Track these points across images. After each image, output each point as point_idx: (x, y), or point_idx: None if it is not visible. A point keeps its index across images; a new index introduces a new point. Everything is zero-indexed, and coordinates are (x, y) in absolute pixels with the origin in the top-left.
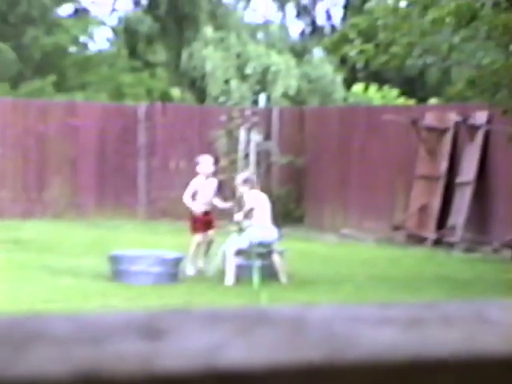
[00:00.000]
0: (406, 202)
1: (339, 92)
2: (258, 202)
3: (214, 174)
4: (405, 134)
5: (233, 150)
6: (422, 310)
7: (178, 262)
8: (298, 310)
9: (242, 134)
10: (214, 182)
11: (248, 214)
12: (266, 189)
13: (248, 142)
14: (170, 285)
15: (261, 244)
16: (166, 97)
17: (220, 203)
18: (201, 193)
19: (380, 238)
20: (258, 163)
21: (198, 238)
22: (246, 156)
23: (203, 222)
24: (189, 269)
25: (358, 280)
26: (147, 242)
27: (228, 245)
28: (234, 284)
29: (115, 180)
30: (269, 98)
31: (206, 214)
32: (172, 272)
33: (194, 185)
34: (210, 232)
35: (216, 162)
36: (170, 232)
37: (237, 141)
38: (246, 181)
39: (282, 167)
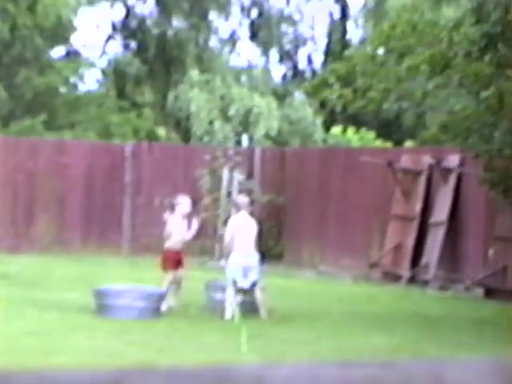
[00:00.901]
0: (382, 241)
1: (319, 133)
2: (241, 227)
3: (194, 213)
4: (381, 175)
5: (216, 188)
6: (382, 371)
7: (161, 296)
8: (259, 369)
9: (225, 173)
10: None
11: (228, 242)
12: None
13: (231, 180)
14: (153, 319)
15: (244, 277)
16: (152, 136)
17: (189, 232)
18: (176, 232)
19: (357, 275)
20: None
21: (169, 275)
22: (229, 194)
23: (174, 260)
24: (163, 304)
25: (334, 316)
26: (131, 277)
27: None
28: (230, 318)
29: (101, 216)
30: (251, 139)
31: (178, 252)
32: (155, 306)
33: (171, 224)
34: (181, 270)
35: (195, 202)
36: (154, 267)
37: (220, 179)
38: (235, 204)
39: (263, 205)
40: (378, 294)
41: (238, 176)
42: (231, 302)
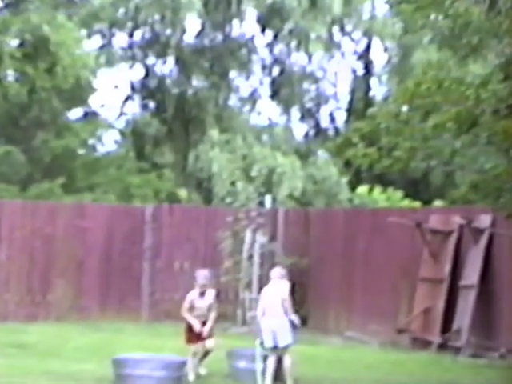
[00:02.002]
0: (410, 305)
1: (344, 193)
2: (270, 292)
3: (215, 278)
4: (409, 236)
5: (237, 250)
6: None
7: (181, 366)
8: None
9: (248, 235)
10: (210, 294)
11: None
12: None
13: (253, 242)
14: None
15: (274, 348)
16: (173, 198)
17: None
18: (196, 306)
19: (384, 340)
20: (262, 264)
21: (194, 347)
22: (250, 257)
23: (196, 333)
24: (189, 374)
25: None
26: (150, 345)
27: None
28: None
29: (120, 281)
30: (274, 199)
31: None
32: (175, 376)
33: (189, 298)
34: (207, 342)
35: (214, 272)
36: (174, 335)
37: (242, 242)
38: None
39: (286, 268)
40: (407, 361)
41: (261, 238)
42: (261, 372)
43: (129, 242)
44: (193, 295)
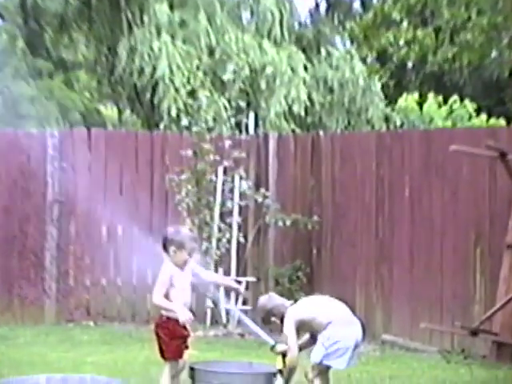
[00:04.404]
0: (492, 288)
1: (377, 107)
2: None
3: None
4: (486, 174)
5: (203, 204)
6: None
7: None
8: None
9: (219, 179)
10: (190, 269)
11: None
12: (257, 267)
13: (228, 191)
14: None
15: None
16: (92, 118)
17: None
18: (176, 285)
19: (447, 347)
20: (244, 227)
21: (174, 365)
22: (225, 215)
23: (184, 338)
24: None
25: None
26: (61, 360)
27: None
28: None
29: (5, 259)
30: (262, 120)
31: (184, 325)
32: None
33: (165, 276)
34: (186, 354)
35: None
36: (101, 342)
37: (210, 190)
38: None
39: (284, 232)
40: (489, 382)
41: (241, 183)
42: None
43: (20, 193)
44: (169, 270)
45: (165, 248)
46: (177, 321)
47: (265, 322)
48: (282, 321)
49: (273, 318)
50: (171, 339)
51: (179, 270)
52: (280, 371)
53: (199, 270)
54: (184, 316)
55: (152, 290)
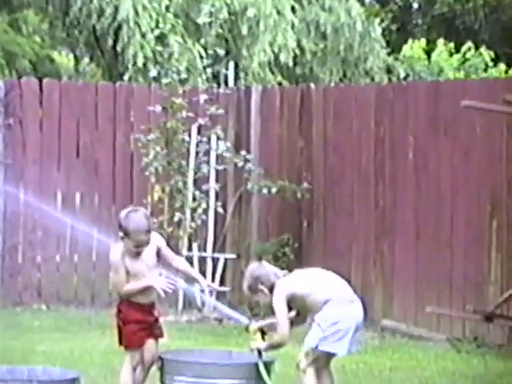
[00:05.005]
0: (508, 266)
1: (377, 56)
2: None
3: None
4: (504, 133)
5: (175, 169)
6: None
7: None
8: None
9: (193, 139)
10: (154, 245)
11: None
12: (237, 242)
13: (204, 153)
14: None
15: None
16: (43, 67)
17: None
18: (131, 275)
19: (457, 335)
20: (221, 195)
21: (134, 355)
22: (199, 181)
23: (143, 323)
24: None
25: None
26: (12, 349)
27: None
28: None
29: None
30: (243, 70)
31: (150, 310)
32: None
33: (115, 259)
34: (152, 344)
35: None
36: (54, 329)
37: (183, 152)
38: None
39: (269, 201)
40: (506, 375)
41: (218, 144)
42: None
43: None
44: (119, 252)
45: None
46: (138, 304)
47: (251, 290)
48: (271, 291)
49: (260, 286)
50: (125, 324)
51: (131, 255)
52: (259, 352)
53: (166, 253)
54: (159, 283)
55: None
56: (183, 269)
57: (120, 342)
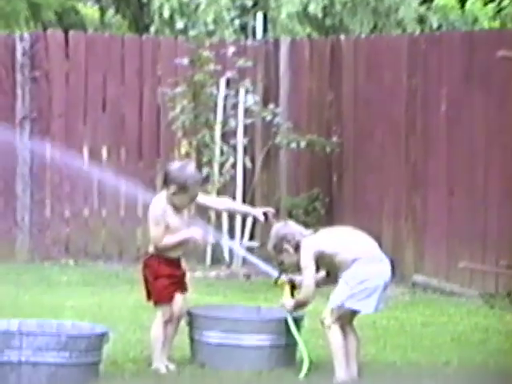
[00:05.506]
0: None
1: (409, 6)
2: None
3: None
4: None
5: (202, 122)
6: None
7: (101, 338)
8: None
9: (221, 93)
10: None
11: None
12: (267, 197)
13: (232, 107)
14: None
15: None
16: (69, 19)
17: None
18: (172, 229)
19: (490, 290)
20: (249, 148)
21: (165, 311)
22: (226, 136)
23: (174, 278)
24: (158, 365)
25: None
26: (36, 303)
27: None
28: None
29: None
30: (272, 22)
31: (178, 265)
32: (89, 361)
33: (157, 212)
34: (181, 299)
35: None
36: (80, 284)
37: (210, 105)
38: None
39: (298, 155)
40: None
41: (246, 97)
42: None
43: None
44: (162, 206)
45: (165, 184)
46: (167, 258)
47: (276, 249)
48: (296, 250)
49: (286, 246)
50: (155, 279)
51: (174, 210)
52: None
53: (205, 199)
54: (199, 234)
55: (141, 224)
56: (231, 207)
57: (148, 297)
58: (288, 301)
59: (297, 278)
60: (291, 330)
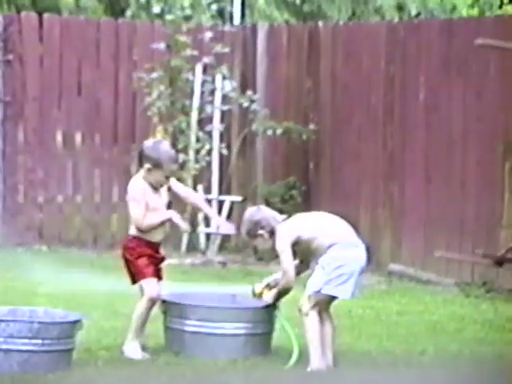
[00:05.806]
0: None
1: None
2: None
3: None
4: None
5: (178, 108)
6: None
7: (73, 326)
8: None
9: (198, 78)
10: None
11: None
12: (243, 184)
13: (209, 93)
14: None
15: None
16: (43, 1)
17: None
18: (150, 209)
19: (467, 279)
20: (225, 134)
21: (154, 285)
22: (203, 122)
23: (154, 259)
24: (131, 348)
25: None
26: (13, 290)
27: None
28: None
29: None
30: (249, 8)
31: (157, 249)
32: (62, 348)
33: (138, 193)
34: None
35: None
36: (53, 271)
37: (186, 91)
38: None
39: (275, 142)
40: None
41: (223, 84)
42: (314, 338)
43: None
44: (141, 186)
45: (140, 163)
46: (148, 241)
47: (250, 235)
48: (271, 235)
49: (260, 231)
50: (137, 258)
51: (152, 189)
52: (274, 306)
53: (178, 187)
54: (177, 216)
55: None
56: (198, 204)
57: (133, 281)
58: (269, 297)
59: (270, 279)
60: (286, 330)
